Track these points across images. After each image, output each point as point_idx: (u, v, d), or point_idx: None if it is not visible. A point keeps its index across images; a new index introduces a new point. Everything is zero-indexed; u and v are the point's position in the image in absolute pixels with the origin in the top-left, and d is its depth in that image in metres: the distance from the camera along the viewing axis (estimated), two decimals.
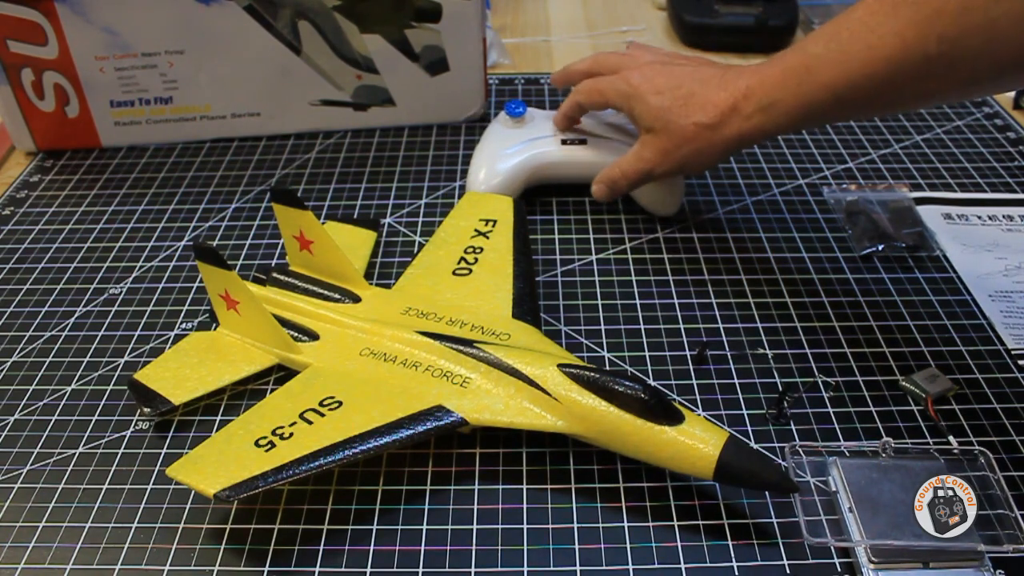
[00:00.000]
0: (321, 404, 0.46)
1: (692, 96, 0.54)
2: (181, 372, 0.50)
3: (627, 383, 0.43)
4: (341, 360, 0.49)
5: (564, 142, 0.64)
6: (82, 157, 0.74)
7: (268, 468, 0.41)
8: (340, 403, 0.46)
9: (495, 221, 0.59)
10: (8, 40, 0.68)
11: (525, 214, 0.60)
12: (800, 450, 0.45)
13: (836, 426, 0.48)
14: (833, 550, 0.41)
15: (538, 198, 0.66)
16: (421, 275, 0.56)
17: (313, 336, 0.51)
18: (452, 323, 0.50)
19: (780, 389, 0.50)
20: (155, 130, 0.74)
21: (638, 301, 0.56)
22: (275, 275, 0.56)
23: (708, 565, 0.41)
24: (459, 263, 0.56)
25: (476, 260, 0.56)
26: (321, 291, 0.54)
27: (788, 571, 0.41)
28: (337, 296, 0.54)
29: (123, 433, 0.48)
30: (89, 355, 0.53)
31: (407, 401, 0.46)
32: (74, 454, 0.47)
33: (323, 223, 0.62)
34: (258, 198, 0.68)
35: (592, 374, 0.44)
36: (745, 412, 0.48)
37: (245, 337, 0.52)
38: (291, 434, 0.43)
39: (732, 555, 0.41)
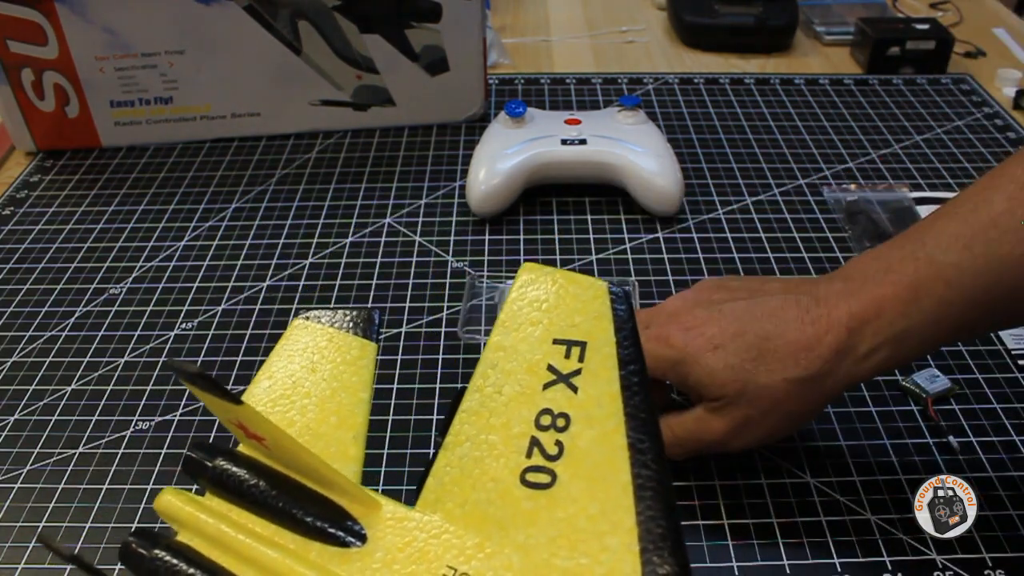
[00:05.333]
0: None
1: (767, 341, 0.39)
2: None
3: None
4: None
5: (564, 142, 0.64)
6: (82, 157, 0.74)
7: None
8: None
9: (583, 346, 0.33)
10: (8, 40, 0.68)
11: (635, 323, 0.33)
12: None
13: (836, 426, 0.48)
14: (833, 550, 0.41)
15: (538, 198, 0.66)
16: (467, 469, 0.31)
17: None
18: None
19: None
20: (155, 130, 0.74)
21: (638, 301, 0.56)
22: (220, 465, 0.32)
23: (708, 565, 0.41)
24: (529, 452, 0.31)
25: (560, 449, 0.30)
26: (298, 515, 0.30)
27: (788, 571, 0.41)
28: (325, 528, 0.30)
29: (123, 433, 0.48)
30: (89, 355, 0.53)
31: None
32: (74, 454, 0.47)
33: (293, 319, 0.38)
34: (258, 198, 0.68)
35: None
36: None
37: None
38: None
39: (732, 555, 0.41)
